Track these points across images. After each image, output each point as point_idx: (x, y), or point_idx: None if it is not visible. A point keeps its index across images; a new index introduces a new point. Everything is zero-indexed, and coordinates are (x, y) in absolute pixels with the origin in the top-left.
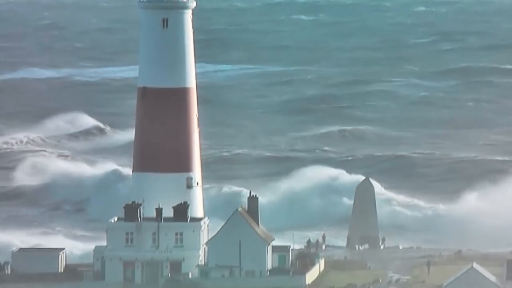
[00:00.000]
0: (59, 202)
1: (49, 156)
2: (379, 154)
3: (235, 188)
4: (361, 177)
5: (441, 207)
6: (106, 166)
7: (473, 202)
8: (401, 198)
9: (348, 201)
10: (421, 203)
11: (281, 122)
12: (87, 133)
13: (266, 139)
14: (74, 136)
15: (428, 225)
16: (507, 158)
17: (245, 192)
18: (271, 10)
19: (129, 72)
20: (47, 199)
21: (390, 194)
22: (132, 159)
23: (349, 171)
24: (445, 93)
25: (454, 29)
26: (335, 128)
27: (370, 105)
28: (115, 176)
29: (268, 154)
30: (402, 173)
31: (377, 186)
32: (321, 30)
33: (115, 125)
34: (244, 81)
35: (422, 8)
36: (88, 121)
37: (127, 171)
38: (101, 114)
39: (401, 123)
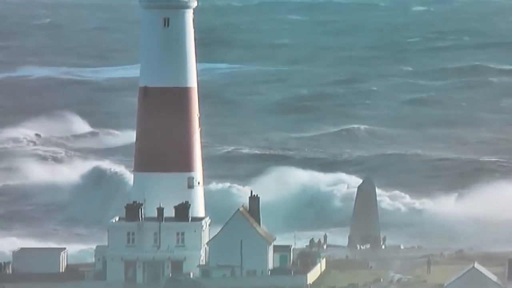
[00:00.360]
0: (40, 203)
1: (38, 156)
2: (371, 154)
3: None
4: (335, 176)
5: (426, 205)
6: (97, 165)
7: (453, 201)
8: (390, 195)
9: (325, 189)
10: (407, 199)
11: (275, 121)
12: (82, 133)
13: (260, 137)
14: (70, 136)
15: (413, 221)
16: (496, 158)
17: (220, 187)
18: (268, 9)
19: (127, 71)
20: (28, 200)
21: (381, 192)
22: (128, 159)
23: (333, 170)
24: (440, 92)
25: (450, 28)
26: (330, 126)
27: (365, 103)
28: (97, 174)
29: (257, 152)
30: (393, 171)
31: None
32: (317, 29)
33: (112, 125)
34: (239, 79)
35: (420, 8)
36: (83, 120)
37: (116, 169)
38: (98, 113)
39: (395, 122)
